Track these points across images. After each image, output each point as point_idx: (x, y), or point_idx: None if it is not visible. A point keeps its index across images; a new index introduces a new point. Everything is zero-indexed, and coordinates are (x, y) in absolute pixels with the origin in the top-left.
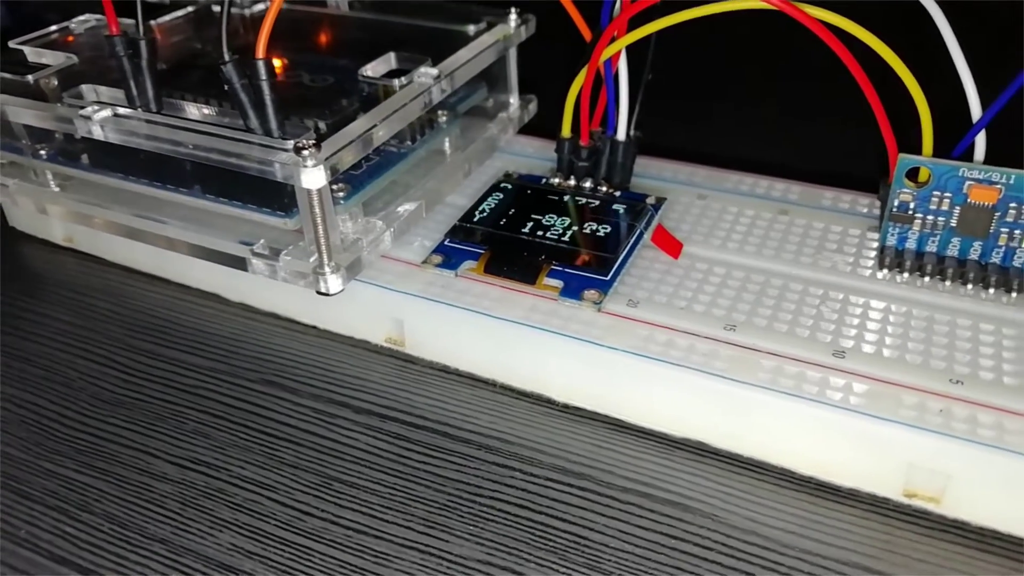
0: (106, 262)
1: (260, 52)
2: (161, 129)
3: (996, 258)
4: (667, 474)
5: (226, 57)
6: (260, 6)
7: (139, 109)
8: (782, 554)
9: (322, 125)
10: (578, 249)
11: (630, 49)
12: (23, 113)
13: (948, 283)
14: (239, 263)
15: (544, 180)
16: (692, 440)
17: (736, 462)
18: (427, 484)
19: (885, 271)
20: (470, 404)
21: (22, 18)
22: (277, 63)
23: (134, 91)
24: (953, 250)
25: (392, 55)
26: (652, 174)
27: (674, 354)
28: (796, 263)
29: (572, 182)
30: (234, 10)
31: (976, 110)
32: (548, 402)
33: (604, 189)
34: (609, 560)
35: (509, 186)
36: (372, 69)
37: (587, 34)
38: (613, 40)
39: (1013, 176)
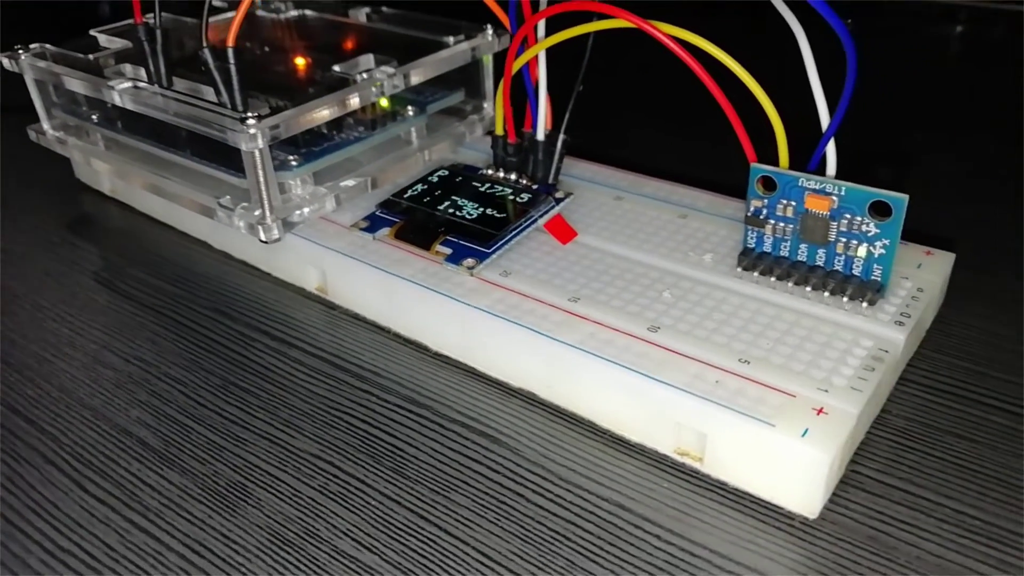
0: (135, 211)
1: (230, 40)
2: (156, 99)
3: (839, 265)
4: (494, 414)
5: (204, 44)
6: (294, 12)
7: (154, 84)
8: (560, 487)
9: (283, 104)
10: (474, 225)
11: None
12: (73, 82)
13: (791, 284)
14: (210, 212)
15: (479, 171)
16: (525, 390)
17: (554, 412)
18: (301, 396)
19: (740, 270)
20: (364, 344)
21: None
22: (279, 56)
23: (153, 70)
24: (802, 255)
25: (372, 56)
26: (583, 175)
27: (513, 313)
28: (668, 258)
29: (501, 174)
30: (267, 14)
31: (825, 123)
32: (424, 349)
33: (524, 182)
34: (413, 468)
35: (446, 172)
36: (346, 66)
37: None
38: (523, 49)
39: (844, 188)
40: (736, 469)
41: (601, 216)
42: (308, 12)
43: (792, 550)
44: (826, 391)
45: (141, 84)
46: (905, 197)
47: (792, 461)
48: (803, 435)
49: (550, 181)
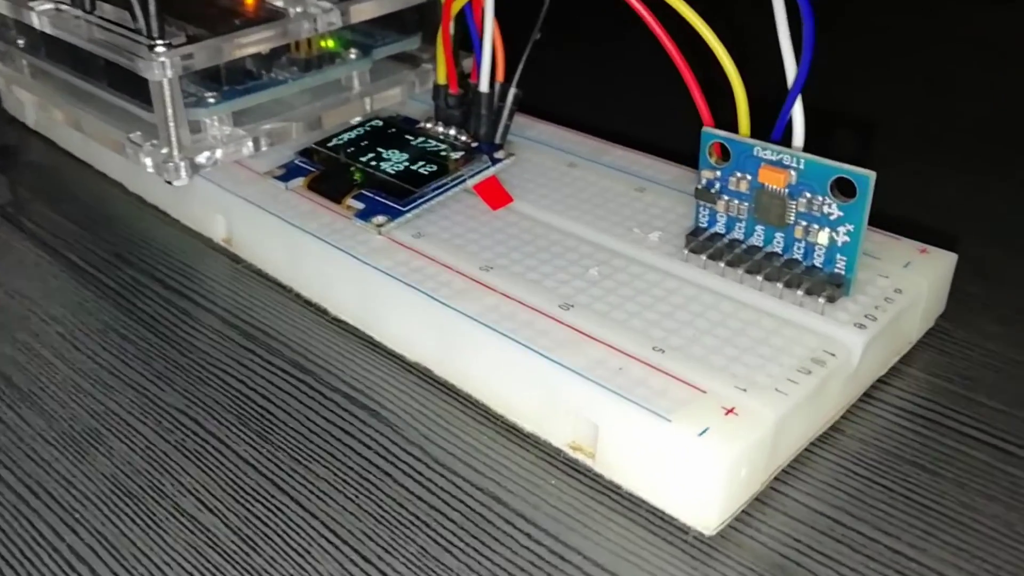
0: (57, 147)
1: None
2: (74, 23)
3: (798, 253)
4: (381, 388)
5: None
6: None
7: (77, 8)
8: (433, 470)
9: (204, 34)
10: (392, 180)
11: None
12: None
13: (742, 272)
14: (121, 149)
15: (417, 124)
16: (420, 366)
17: (448, 391)
18: (180, 349)
19: (687, 252)
20: (260, 303)
21: None
22: None
23: None
24: (758, 238)
25: None
26: (538, 136)
27: (413, 277)
28: (608, 232)
29: (441, 128)
30: None
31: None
32: (324, 313)
33: (465, 139)
34: (279, 434)
35: (380, 123)
36: (280, 2)
37: None
38: None
39: (803, 160)
40: (628, 469)
41: (546, 183)
42: None
43: (677, 567)
44: (744, 390)
45: (64, 7)
46: (871, 175)
47: (687, 464)
48: (700, 434)
49: (496, 141)
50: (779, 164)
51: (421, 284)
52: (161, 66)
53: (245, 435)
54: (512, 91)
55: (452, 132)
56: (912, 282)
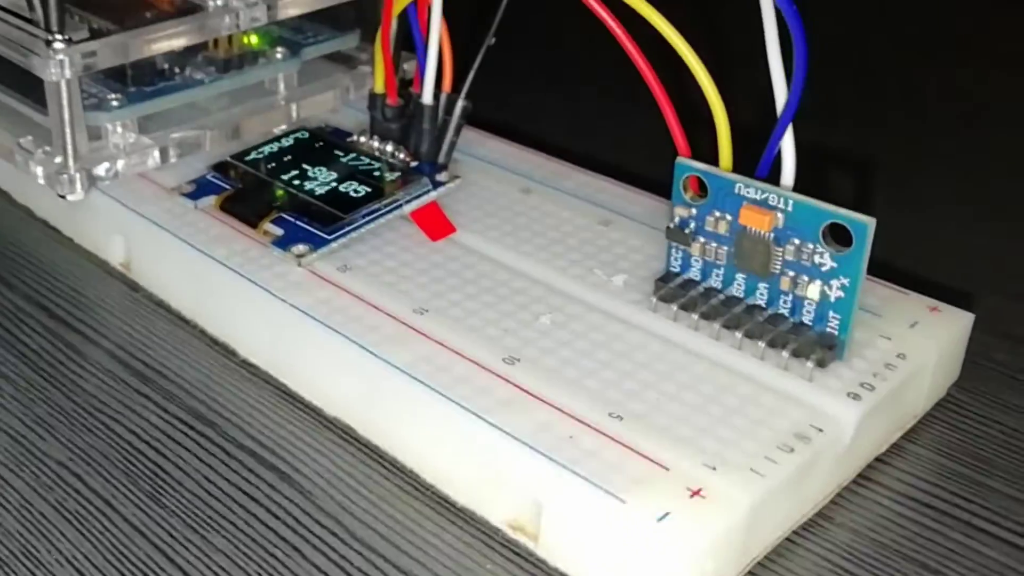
0: None
1: None
2: None
3: (784, 307)
4: (294, 446)
5: None
6: None
7: None
8: (349, 547)
9: (110, 28)
10: (317, 204)
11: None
12: None
13: (717, 327)
14: (9, 155)
15: (349, 137)
16: (340, 421)
17: (372, 454)
18: (65, 391)
19: (655, 300)
20: (159, 339)
21: None
22: None
23: None
24: (738, 289)
25: None
26: (488, 156)
27: (335, 319)
28: (565, 273)
29: (376, 143)
30: None
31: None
32: (232, 354)
33: (403, 157)
34: (173, 496)
35: (306, 135)
36: None
37: None
38: None
39: (792, 201)
40: (575, 555)
41: (495, 211)
42: None
43: None
44: (714, 468)
45: None
46: (870, 221)
47: (643, 554)
48: (660, 519)
49: (439, 160)
50: (764, 204)
51: (344, 327)
52: (59, 65)
53: (134, 496)
54: (460, 103)
55: (389, 148)
56: (918, 346)
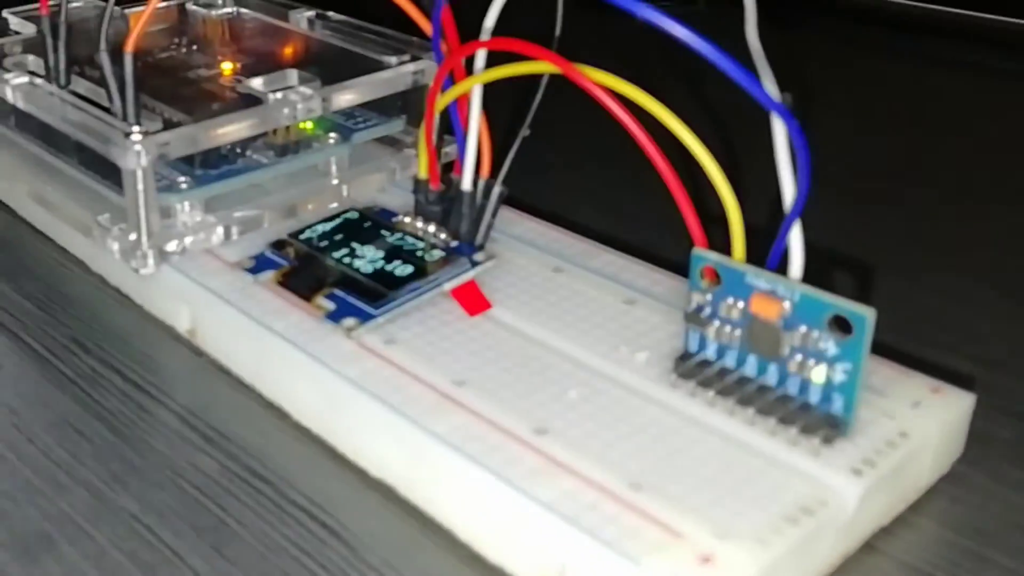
0: (17, 216)
1: (129, 47)
2: (48, 99)
3: (793, 388)
4: (343, 504)
5: (102, 47)
6: (228, 9)
7: (52, 82)
8: None
9: (181, 119)
10: (366, 281)
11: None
12: None
13: (732, 403)
14: (87, 230)
15: (394, 218)
16: (384, 482)
17: (412, 513)
18: (137, 450)
19: (675, 377)
20: (221, 402)
21: None
22: (198, 59)
23: (52, 66)
24: (751, 369)
25: (295, 72)
26: (523, 235)
27: (381, 388)
28: (591, 350)
29: (420, 224)
30: (200, 9)
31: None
32: (286, 417)
33: (445, 237)
34: (234, 549)
35: (355, 215)
36: (264, 81)
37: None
38: (449, 86)
39: (798, 293)
40: None
41: (529, 288)
42: (244, 11)
43: None
44: (723, 537)
45: (38, 80)
46: (869, 313)
47: None
48: None
49: (477, 241)
50: (773, 294)
51: (389, 397)
52: (136, 154)
53: (199, 548)
54: (497, 189)
55: (432, 229)
56: (920, 425)
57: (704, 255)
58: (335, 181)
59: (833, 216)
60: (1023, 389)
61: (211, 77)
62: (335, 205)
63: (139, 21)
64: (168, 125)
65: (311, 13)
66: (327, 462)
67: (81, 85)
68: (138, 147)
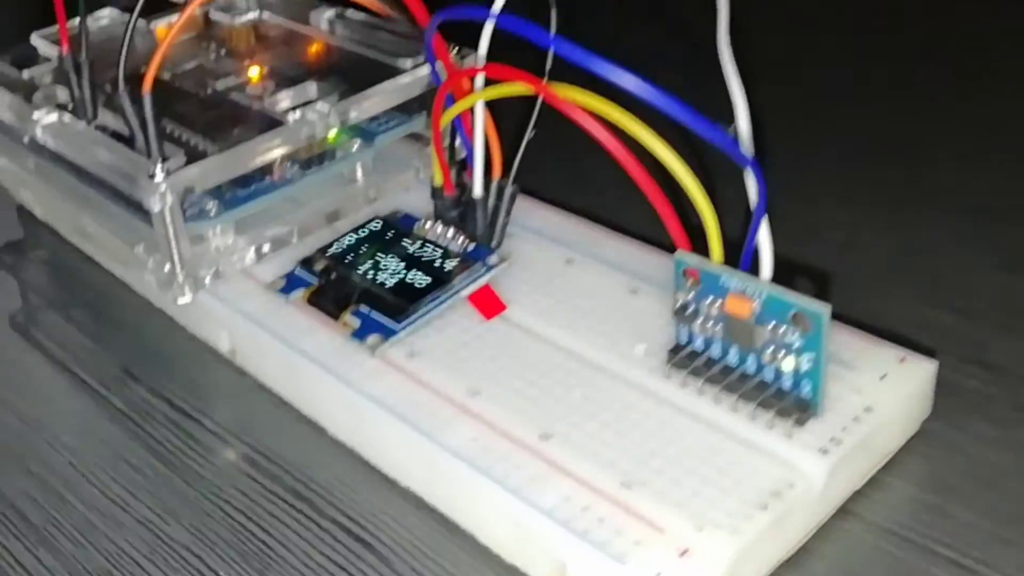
0: (63, 239)
1: (146, 87)
2: (76, 138)
3: (769, 375)
4: (375, 516)
5: (121, 87)
6: (250, 15)
7: (80, 117)
8: None
9: (208, 148)
10: (387, 296)
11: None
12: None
13: (719, 391)
14: (125, 261)
15: (416, 223)
16: (412, 491)
17: (438, 518)
18: (186, 479)
19: (669, 368)
20: (262, 422)
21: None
22: (218, 73)
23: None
24: (733, 359)
25: (314, 85)
26: (536, 226)
27: (402, 406)
28: (595, 344)
29: (439, 229)
30: (223, 16)
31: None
32: (323, 431)
33: (463, 241)
34: (277, 570)
35: (378, 224)
36: (284, 97)
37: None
38: (451, 103)
39: (764, 292)
40: None
41: (540, 284)
42: (266, 15)
43: None
44: (700, 529)
45: (67, 119)
46: (824, 311)
47: None
48: None
49: (493, 242)
50: (743, 293)
51: (409, 414)
52: (161, 196)
53: (247, 573)
54: (509, 189)
55: (450, 234)
56: (885, 399)
57: (685, 258)
58: (361, 186)
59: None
60: (989, 338)
61: (234, 88)
62: (366, 211)
63: (155, 56)
64: (191, 155)
65: (331, 13)
66: (361, 474)
67: (108, 116)
68: (162, 187)
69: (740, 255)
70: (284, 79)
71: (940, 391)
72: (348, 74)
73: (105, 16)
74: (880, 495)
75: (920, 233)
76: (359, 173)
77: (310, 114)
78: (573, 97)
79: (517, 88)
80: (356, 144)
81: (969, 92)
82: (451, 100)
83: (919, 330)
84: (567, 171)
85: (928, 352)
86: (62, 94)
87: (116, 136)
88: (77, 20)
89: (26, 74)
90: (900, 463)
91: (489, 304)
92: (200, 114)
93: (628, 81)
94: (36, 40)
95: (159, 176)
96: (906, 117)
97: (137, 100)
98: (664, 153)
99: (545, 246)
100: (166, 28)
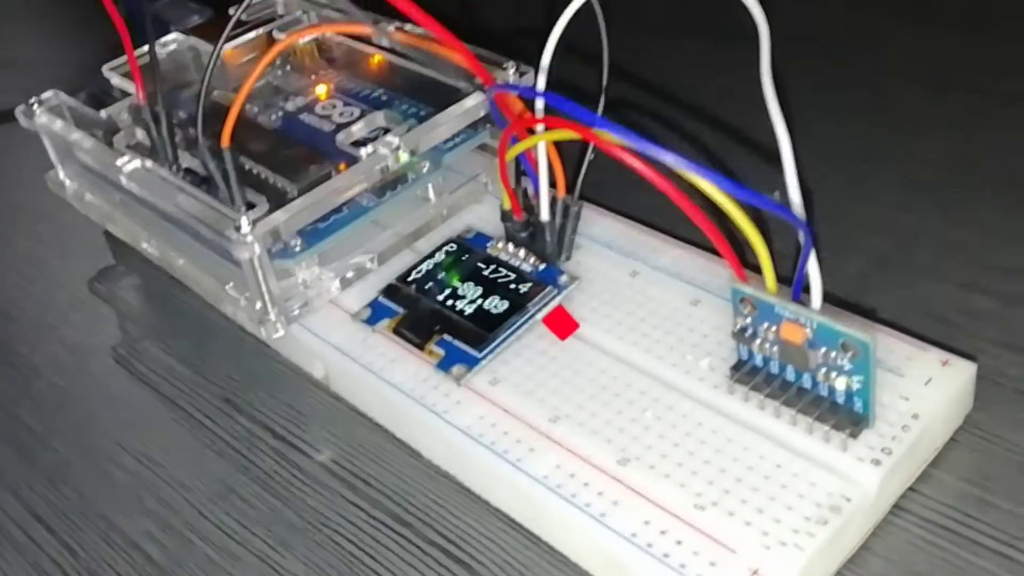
0: (153, 264)
1: (224, 141)
2: (160, 185)
3: (824, 391)
4: (473, 537)
5: (201, 141)
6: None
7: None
8: None
9: (291, 190)
10: (467, 324)
11: None
12: (84, 155)
13: (780, 405)
14: (218, 300)
15: (488, 243)
16: (504, 513)
17: (531, 537)
18: (295, 510)
19: (732, 383)
20: (361, 447)
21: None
22: (287, 104)
23: (160, 153)
24: (791, 375)
25: (380, 115)
26: (601, 237)
27: (488, 436)
28: (662, 360)
29: (511, 248)
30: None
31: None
32: (418, 455)
33: (533, 260)
34: None
35: (454, 247)
36: (352, 131)
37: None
38: (515, 141)
39: (816, 322)
40: None
41: (609, 299)
42: (328, 35)
43: None
44: (768, 548)
45: (150, 165)
46: (870, 340)
47: None
48: None
49: (562, 258)
50: (796, 321)
51: (495, 445)
52: (249, 247)
53: None
54: (573, 208)
55: (521, 254)
56: (931, 404)
57: (741, 289)
58: (434, 204)
59: None
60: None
61: (303, 108)
62: (440, 229)
63: (233, 109)
64: (272, 196)
65: (392, 28)
66: (457, 497)
67: (188, 157)
68: (248, 238)
69: (792, 279)
70: (351, 97)
71: (981, 380)
72: (414, 95)
73: (172, 41)
74: (932, 488)
75: (962, 216)
76: (431, 194)
77: (382, 148)
78: (622, 142)
79: (566, 134)
80: (426, 166)
81: None
82: (515, 139)
83: (960, 315)
84: (623, 177)
85: (969, 340)
86: (141, 134)
87: (199, 178)
88: (146, 48)
89: (104, 113)
90: (944, 456)
91: (562, 324)
92: (275, 150)
93: (668, 157)
94: (108, 72)
95: (245, 228)
96: None
97: (217, 151)
98: (710, 190)
99: (610, 258)
100: (234, 52)
